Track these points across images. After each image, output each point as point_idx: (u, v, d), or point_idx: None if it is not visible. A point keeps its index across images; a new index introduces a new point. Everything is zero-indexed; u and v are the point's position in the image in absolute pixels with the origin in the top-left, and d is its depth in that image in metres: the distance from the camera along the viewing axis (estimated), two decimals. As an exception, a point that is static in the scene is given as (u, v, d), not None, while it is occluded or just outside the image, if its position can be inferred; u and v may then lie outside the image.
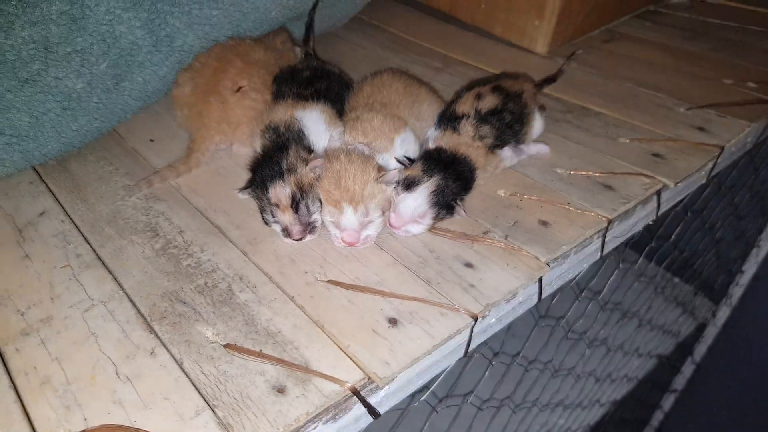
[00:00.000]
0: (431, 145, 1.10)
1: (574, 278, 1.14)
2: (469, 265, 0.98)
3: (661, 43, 1.80)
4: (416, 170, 1.02)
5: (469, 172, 1.05)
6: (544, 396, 1.79)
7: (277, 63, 1.32)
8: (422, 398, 1.01)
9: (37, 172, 1.21)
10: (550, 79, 1.44)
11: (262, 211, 1.03)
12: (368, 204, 0.98)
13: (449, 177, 1.02)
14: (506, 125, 1.13)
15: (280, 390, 0.78)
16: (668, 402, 3.08)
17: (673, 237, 1.64)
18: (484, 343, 1.00)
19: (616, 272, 1.43)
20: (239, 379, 0.80)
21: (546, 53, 1.69)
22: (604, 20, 1.85)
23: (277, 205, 1.00)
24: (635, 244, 1.31)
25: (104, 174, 1.20)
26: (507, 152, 1.15)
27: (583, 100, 1.46)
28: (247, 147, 1.26)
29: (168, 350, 0.84)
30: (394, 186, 1.02)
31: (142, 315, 0.90)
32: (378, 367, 0.81)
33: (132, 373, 0.81)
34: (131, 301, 0.92)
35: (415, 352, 0.83)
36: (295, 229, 1.00)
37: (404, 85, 1.19)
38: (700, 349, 2.86)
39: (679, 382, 3.00)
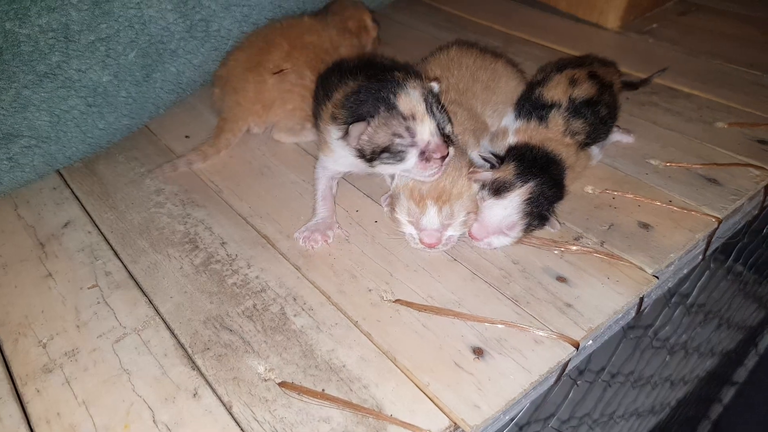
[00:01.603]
0: (512, 139, 0.93)
1: (673, 286, 0.98)
2: (561, 279, 0.83)
3: (742, 14, 1.62)
4: (508, 172, 0.85)
5: (563, 175, 0.89)
6: (620, 408, 1.63)
7: (337, 49, 1.16)
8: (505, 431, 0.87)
9: (61, 175, 1.09)
10: (631, 85, 1.24)
11: (389, 144, 0.83)
12: (454, 204, 0.83)
13: (546, 183, 0.85)
14: (600, 120, 0.96)
15: (350, 442, 0.65)
16: (728, 395, 2.92)
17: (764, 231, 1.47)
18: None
19: (707, 273, 1.27)
20: (300, 427, 0.66)
21: (618, 28, 1.51)
22: (679, -10, 1.68)
23: (413, 117, 0.82)
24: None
25: (136, 177, 1.07)
26: (595, 150, 0.99)
27: (669, 79, 1.29)
28: (291, 137, 1.15)
29: (213, 390, 0.71)
30: (479, 189, 0.87)
31: (182, 345, 0.76)
32: (466, 411, 0.67)
33: (172, 420, 0.68)
34: (169, 328, 0.79)
35: (509, 391, 0.69)
36: (439, 141, 0.81)
37: (476, 61, 1.02)
38: (765, 340, 2.69)
39: (741, 374, 2.83)
